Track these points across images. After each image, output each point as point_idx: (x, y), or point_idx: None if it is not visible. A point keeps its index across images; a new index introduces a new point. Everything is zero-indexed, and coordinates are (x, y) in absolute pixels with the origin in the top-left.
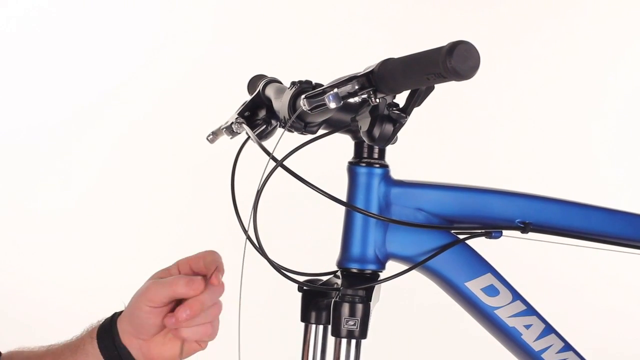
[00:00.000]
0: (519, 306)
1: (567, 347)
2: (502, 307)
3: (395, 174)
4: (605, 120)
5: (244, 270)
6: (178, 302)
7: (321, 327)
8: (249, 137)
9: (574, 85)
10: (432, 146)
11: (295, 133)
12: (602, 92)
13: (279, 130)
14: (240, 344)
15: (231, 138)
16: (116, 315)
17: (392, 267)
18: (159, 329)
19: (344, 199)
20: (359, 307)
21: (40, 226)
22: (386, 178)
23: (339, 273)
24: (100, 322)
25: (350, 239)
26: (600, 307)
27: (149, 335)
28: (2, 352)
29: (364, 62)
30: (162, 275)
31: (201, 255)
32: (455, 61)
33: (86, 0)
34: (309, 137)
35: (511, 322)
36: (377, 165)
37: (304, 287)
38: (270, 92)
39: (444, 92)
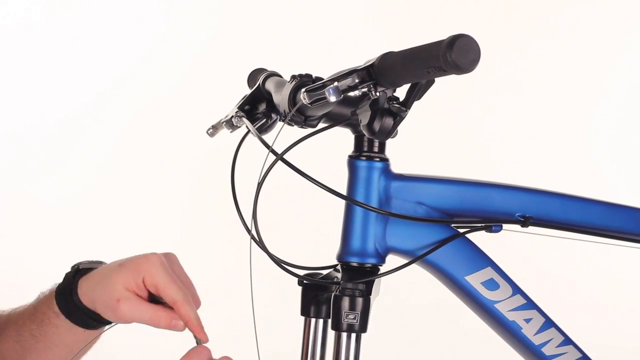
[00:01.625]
0: (518, 300)
1: (567, 341)
2: (502, 301)
3: (396, 167)
4: (605, 114)
5: (244, 264)
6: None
7: (321, 320)
8: (249, 130)
9: (574, 80)
10: (433, 140)
11: (295, 127)
12: (603, 86)
13: (279, 124)
14: (241, 338)
15: (231, 132)
16: (72, 283)
17: (392, 260)
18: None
19: (344, 192)
20: (359, 300)
21: (41, 220)
22: (386, 172)
23: (339, 267)
24: (55, 293)
25: (350, 233)
26: (600, 301)
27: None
28: None
29: (364, 55)
30: (134, 268)
31: (170, 296)
32: (455, 54)
33: None
34: (309, 130)
35: (511, 316)
36: (377, 159)
37: (304, 281)
38: (270, 85)
39: (444, 85)
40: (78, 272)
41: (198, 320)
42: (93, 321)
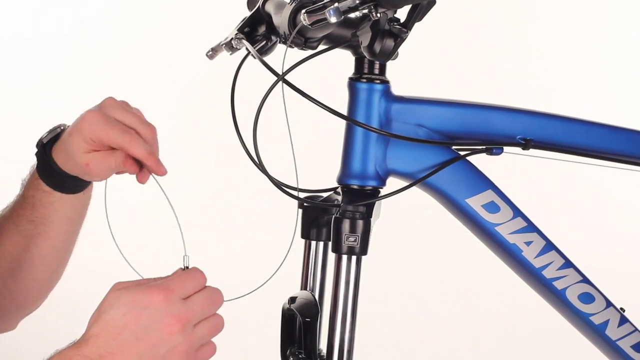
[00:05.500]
0: (519, 223)
1: (568, 264)
2: (502, 223)
3: (396, 89)
4: (609, 35)
5: (245, 187)
6: None
7: (321, 243)
8: (248, 52)
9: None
10: (434, 62)
11: (296, 48)
12: (610, 9)
13: (280, 47)
14: (241, 262)
15: (231, 54)
16: (49, 159)
17: (393, 183)
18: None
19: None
20: (360, 223)
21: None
22: (387, 94)
23: (339, 189)
24: (38, 173)
25: (351, 155)
26: (601, 224)
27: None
28: None
29: None
30: (79, 133)
31: (116, 144)
32: None
33: None
34: (310, 52)
35: (512, 239)
36: (378, 81)
37: (305, 204)
38: (270, 7)
39: (445, 6)
40: (45, 146)
41: (150, 154)
42: (83, 182)
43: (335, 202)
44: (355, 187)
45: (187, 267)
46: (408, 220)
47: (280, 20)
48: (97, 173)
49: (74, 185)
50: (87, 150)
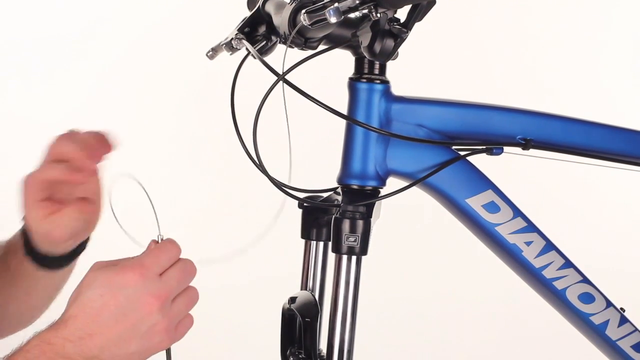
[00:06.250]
0: (519, 223)
1: (568, 264)
2: (502, 223)
3: (396, 90)
4: (609, 35)
5: (243, 187)
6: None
7: (321, 243)
8: (249, 53)
9: (579, 3)
10: (434, 62)
11: (296, 49)
12: (610, 9)
13: (281, 47)
14: (241, 262)
15: (231, 54)
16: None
17: (393, 183)
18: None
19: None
20: (360, 223)
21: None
22: (387, 94)
23: (339, 189)
24: (21, 248)
25: (351, 155)
26: (600, 224)
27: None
28: None
29: None
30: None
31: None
32: None
33: None
34: (310, 52)
35: (512, 239)
36: (378, 81)
37: (305, 204)
38: (270, 7)
39: (445, 6)
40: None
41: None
42: (67, 259)
43: (335, 202)
44: (355, 187)
45: (162, 238)
46: (408, 220)
47: (280, 20)
48: (60, 233)
49: (58, 263)
50: (44, 214)
